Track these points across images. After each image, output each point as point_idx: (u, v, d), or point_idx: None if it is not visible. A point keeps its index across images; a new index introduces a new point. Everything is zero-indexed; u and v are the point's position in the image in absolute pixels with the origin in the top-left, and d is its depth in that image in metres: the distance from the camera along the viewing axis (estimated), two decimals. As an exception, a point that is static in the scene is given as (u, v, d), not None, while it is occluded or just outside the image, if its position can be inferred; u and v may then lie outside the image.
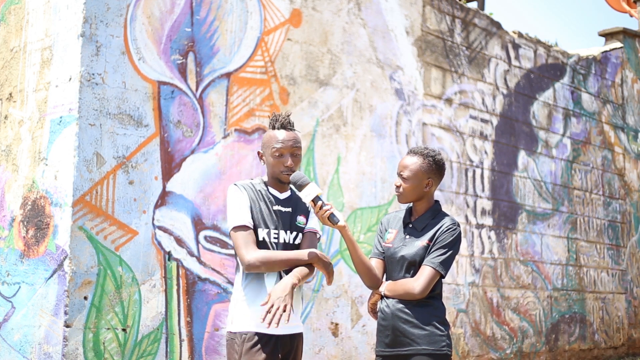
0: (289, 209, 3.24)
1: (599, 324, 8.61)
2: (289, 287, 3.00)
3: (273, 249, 3.14)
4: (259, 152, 3.27)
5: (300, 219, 3.26)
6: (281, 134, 3.18)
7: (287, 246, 3.18)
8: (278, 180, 3.23)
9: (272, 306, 2.93)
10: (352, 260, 3.31)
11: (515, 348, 7.47)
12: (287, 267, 3.09)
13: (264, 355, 3.03)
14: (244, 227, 3.10)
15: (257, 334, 3.06)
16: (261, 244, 3.14)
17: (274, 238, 3.16)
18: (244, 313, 3.09)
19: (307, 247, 3.22)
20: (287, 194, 3.28)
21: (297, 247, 3.22)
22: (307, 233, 3.28)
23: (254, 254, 3.05)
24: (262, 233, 3.14)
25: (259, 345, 3.04)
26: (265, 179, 3.28)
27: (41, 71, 4.90)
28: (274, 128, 3.22)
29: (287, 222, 3.21)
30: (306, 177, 3.18)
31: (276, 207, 3.20)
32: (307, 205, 3.31)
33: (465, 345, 6.90)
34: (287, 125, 3.21)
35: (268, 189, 3.24)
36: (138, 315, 4.72)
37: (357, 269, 3.34)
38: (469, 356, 6.92)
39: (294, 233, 3.22)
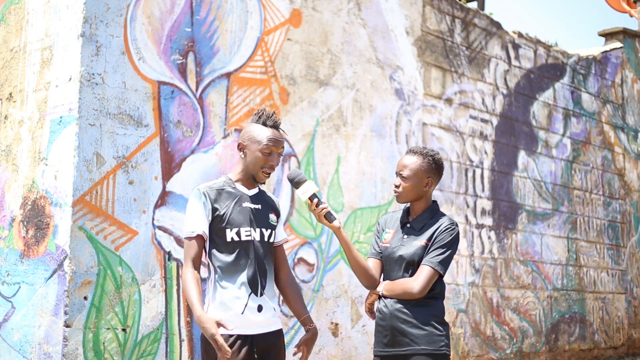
0: (259, 206, 3.20)
1: (599, 324, 8.61)
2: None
3: (246, 247, 3.11)
4: (240, 144, 3.19)
5: (272, 216, 3.24)
6: (274, 133, 3.16)
7: (260, 243, 3.14)
8: (252, 178, 3.18)
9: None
10: (348, 261, 3.31)
11: (515, 348, 7.47)
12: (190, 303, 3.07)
13: (240, 356, 3.01)
14: (191, 238, 3.09)
15: (231, 335, 3.02)
16: (232, 244, 3.10)
17: (246, 235, 3.12)
18: (217, 315, 3.04)
19: (283, 262, 3.28)
20: (255, 190, 3.24)
21: (271, 245, 3.21)
22: (281, 247, 3.29)
23: (185, 272, 3.06)
24: (231, 234, 3.10)
25: (235, 347, 3.01)
26: (233, 176, 3.22)
27: (41, 71, 4.90)
28: (264, 124, 3.17)
29: (259, 219, 3.17)
30: (303, 174, 3.19)
31: (246, 204, 3.16)
32: (275, 203, 3.30)
33: (465, 345, 6.91)
34: (278, 126, 3.21)
35: (235, 186, 3.19)
36: (138, 315, 4.73)
37: (353, 269, 3.34)
38: (468, 356, 6.93)
39: (269, 230, 3.19)
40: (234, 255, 3.10)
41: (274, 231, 3.23)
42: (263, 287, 3.14)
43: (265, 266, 3.17)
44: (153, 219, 4.85)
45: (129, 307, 4.69)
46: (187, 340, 4.95)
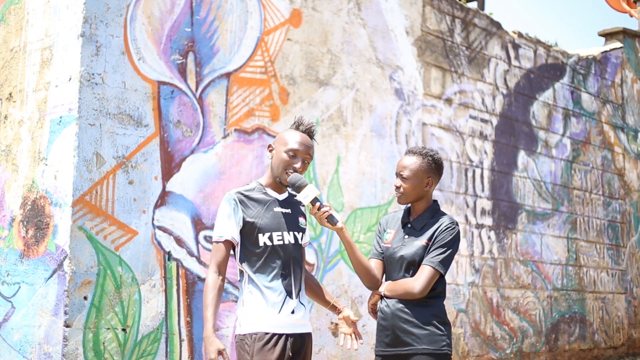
0: (289, 210, 3.25)
1: (598, 324, 8.61)
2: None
3: (279, 251, 3.16)
4: (270, 145, 3.26)
5: (301, 220, 3.29)
6: (302, 137, 3.21)
7: (293, 246, 3.19)
8: (278, 181, 3.22)
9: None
10: (351, 261, 3.31)
11: (515, 348, 7.47)
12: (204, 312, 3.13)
13: (276, 353, 3.06)
14: (219, 242, 3.14)
15: (267, 333, 3.08)
16: (264, 249, 3.14)
17: (278, 240, 3.16)
18: (253, 315, 3.11)
19: (304, 260, 3.32)
20: (285, 195, 3.28)
21: (302, 247, 3.26)
22: (304, 247, 3.34)
23: (209, 276, 3.12)
24: (263, 238, 3.15)
25: (270, 344, 3.07)
26: (263, 181, 3.28)
27: (41, 71, 4.90)
28: (297, 129, 3.24)
29: (290, 223, 3.22)
30: (304, 178, 3.19)
31: (277, 209, 3.21)
32: (303, 207, 3.32)
33: (465, 345, 6.91)
34: (310, 134, 3.25)
35: (266, 191, 3.24)
36: (138, 315, 4.73)
37: (355, 270, 3.34)
38: (469, 356, 6.93)
39: (300, 234, 3.24)
40: (267, 260, 3.14)
41: (304, 234, 3.29)
42: (298, 290, 3.20)
43: (298, 269, 3.22)
44: (153, 219, 4.85)
45: (129, 307, 4.69)
46: (187, 340, 4.95)
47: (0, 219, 5.03)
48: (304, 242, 3.30)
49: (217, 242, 3.15)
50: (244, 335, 3.12)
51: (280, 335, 3.10)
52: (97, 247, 4.58)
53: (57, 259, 4.52)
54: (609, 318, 8.79)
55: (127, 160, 4.77)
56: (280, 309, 3.12)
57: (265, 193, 3.23)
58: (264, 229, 3.15)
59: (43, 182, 4.72)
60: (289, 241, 3.18)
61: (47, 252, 4.60)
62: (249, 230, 3.15)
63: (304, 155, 3.18)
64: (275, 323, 3.10)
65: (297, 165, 3.17)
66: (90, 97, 4.64)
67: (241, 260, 3.19)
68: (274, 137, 5.17)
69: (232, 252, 3.19)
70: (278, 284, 3.13)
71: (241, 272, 3.21)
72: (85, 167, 4.58)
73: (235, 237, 3.14)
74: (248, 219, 3.14)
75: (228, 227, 3.14)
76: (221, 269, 3.12)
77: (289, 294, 3.15)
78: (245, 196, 3.19)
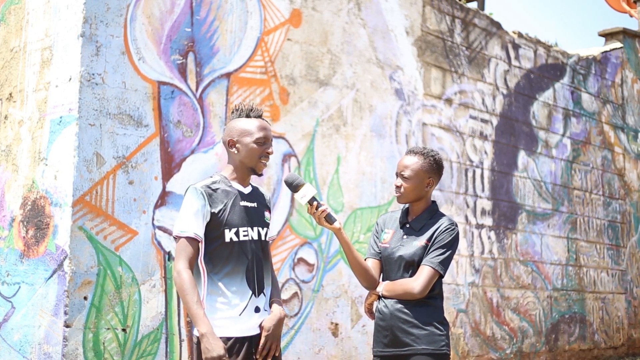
0: (254, 204, 3.16)
1: (598, 324, 8.61)
2: (282, 324, 3.07)
3: (244, 247, 3.05)
4: (230, 140, 3.13)
5: (267, 214, 3.20)
6: (261, 122, 3.14)
7: (257, 242, 3.10)
8: (251, 170, 3.13)
9: (266, 344, 3.02)
10: (348, 261, 3.30)
11: (515, 348, 7.47)
12: (185, 307, 3.01)
13: (239, 359, 2.97)
14: (183, 237, 3.01)
15: (229, 338, 2.98)
16: (230, 245, 3.04)
17: (244, 235, 3.07)
18: (214, 318, 2.99)
19: (269, 256, 3.20)
20: (250, 188, 3.19)
21: (267, 243, 3.17)
22: (268, 242, 3.23)
23: (182, 272, 2.96)
24: (230, 234, 3.04)
25: (233, 350, 2.97)
26: (227, 174, 3.16)
27: (41, 71, 4.90)
28: (247, 116, 3.14)
29: (256, 217, 3.13)
30: (301, 177, 3.17)
31: (243, 203, 3.11)
32: (268, 200, 3.26)
33: (465, 345, 6.91)
34: (261, 115, 3.18)
35: (232, 184, 3.13)
36: (138, 315, 4.72)
37: (353, 270, 3.33)
38: (468, 356, 6.92)
39: (264, 229, 3.15)
40: (232, 256, 3.04)
41: (268, 229, 3.20)
42: (261, 288, 3.10)
43: (263, 266, 3.12)
44: (153, 219, 4.85)
45: (129, 307, 4.69)
46: (187, 340, 4.94)
47: (0, 219, 5.03)
48: (269, 236, 3.20)
49: (183, 237, 3.00)
50: None
51: (244, 339, 3.00)
52: (97, 247, 4.58)
53: (57, 259, 4.52)
54: (609, 318, 8.79)
55: (127, 161, 4.77)
56: (244, 310, 3.01)
57: (230, 186, 3.12)
58: (230, 224, 3.05)
59: (43, 182, 4.72)
60: (253, 237, 3.09)
61: (47, 252, 4.60)
62: (215, 225, 3.03)
63: (271, 140, 3.15)
64: (238, 327, 3.00)
65: (270, 149, 3.12)
66: (90, 97, 4.64)
67: (204, 257, 3.04)
68: (275, 137, 5.17)
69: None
70: (242, 282, 3.03)
71: (200, 270, 3.05)
72: (86, 167, 4.58)
73: (200, 234, 3.01)
74: (214, 213, 3.03)
75: (195, 223, 3.00)
76: (192, 265, 2.99)
77: (253, 291, 3.05)
78: (213, 189, 3.07)
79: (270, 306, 3.14)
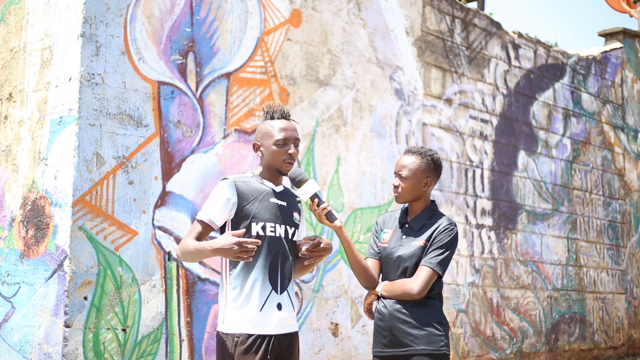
0: (284, 203, 3.18)
1: (599, 324, 8.61)
2: (329, 251, 3.18)
3: (269, 242, 3.07)
4: (255, 144, 3.20)
5: (296, 215, 3.22)
6: (283, 123, 3.16)
7: (284, 240, 3.12)
8: (277, 171, 3.16)
9: (317, 240, 3.12)
10: (348, 260, 3.30)
11: (515, 348, 7.47)
12: (198, 257, 3.06)
13: (257, 358, 2.98)
14: (200, 221, 3.07)
15: (249, 335, 3.00)
16: (256, 239, 3.04)
17: (270, 231, 3.09)
18: (235, 313, 3.03)
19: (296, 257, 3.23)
20: (281, 187, 3.22)
21: (294, 243, 3.18)
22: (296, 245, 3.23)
23: (186, 239, 3.04)
24: (257, 227, 3.07)
25: (252, 348, 2.99)
26: (258, 172, 3.21)
27: (41, 71, 4.90)
28: (272, 118, 3.18)
29: (284, 215, 3.15)
30: (305, 173, 3.17)
31: (273, 200, 3.15)
32: (299, 202, 3.27)
33: (465, 345, 6.91)
34: (286, 116, 3.20)
35: (263, 182, 3.17)
36: (138, 315, 4.73)
37: (353, 269, 3.33)
38: (468, 356, 6.93)
39: (292, 228, 3.17)
40: (256, 251, 3.02)
41: (297, 230, 3.21)
42: (284, 285, 3.10)
43: (287, 264, 3.13)
44: (153, 219, 4.85)
45: (129, 307, 4.69)
46: (187, 340, 4.95)
47: (0, 219, 5.04)
48: (297, 237, 3.22)
49: (197, 219, 3.08)
50: (226, 335, 3.03)
51: (264, 337, 3.02)
52: (97, 247, 4.58)
53: (57, 259, 4.53)
54: (609, 318, 8.79)
55: (127, 161, 4.77)
56: (264, 305, 3.03)
57: (262, 183, 3.17)
58: (257, 218, 3.08)
59: (43, 182, 4.72)
60: (280, 234, 3.11)
61: (47, 252, 4.60)
62: (241, 218, 3.07)
63: (293, 140, 3.15)
64: (259, 323, 3.02)
65: (291, 150, 3.13)
66: (90, 97, 4.64)
67: None
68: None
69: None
70: (264, 276, 3.05)
71: (223, 261, 3.10)
72: (86, 167, 4.58)
73: (216, 222, 3.06)
74: (243, 207, 3.07)
75: (214, 211, 3.06)
76: (191, 239, 3.05)
77: (274, 288, 3.06)
78: (243, 182, 3.12)
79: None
